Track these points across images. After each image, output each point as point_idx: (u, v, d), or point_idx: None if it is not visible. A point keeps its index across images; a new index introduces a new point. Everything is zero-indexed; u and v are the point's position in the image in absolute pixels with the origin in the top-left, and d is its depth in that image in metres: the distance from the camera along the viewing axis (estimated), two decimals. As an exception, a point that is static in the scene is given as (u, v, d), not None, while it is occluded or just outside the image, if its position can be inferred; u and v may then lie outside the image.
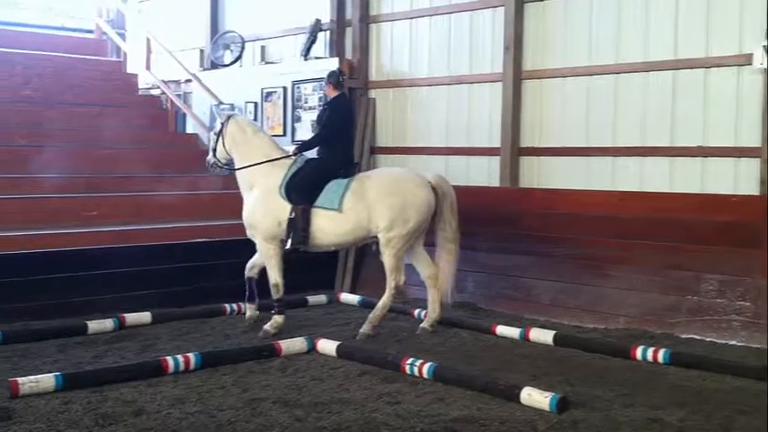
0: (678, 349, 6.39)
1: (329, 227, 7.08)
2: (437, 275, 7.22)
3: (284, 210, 7.11)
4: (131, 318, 7.36)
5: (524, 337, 6.93)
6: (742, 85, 7.40)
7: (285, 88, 10.52)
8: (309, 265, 9.00)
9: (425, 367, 5.71)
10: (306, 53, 10.49)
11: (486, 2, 9.06)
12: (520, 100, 8.85)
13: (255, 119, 10.80)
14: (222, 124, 7.55)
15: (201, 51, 12.35)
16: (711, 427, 4.73)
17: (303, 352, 6.42)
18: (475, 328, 7.34)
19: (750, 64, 7.25)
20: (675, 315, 7.21)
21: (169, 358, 5.85)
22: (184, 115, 12.23)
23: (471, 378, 5.58)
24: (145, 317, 7.46)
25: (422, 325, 7.24)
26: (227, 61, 11.54)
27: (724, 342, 6.85)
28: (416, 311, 7.81)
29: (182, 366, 5.81)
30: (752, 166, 7.32)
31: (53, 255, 7.78)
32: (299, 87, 10.38)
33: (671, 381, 5.72)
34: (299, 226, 7.05)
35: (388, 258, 7.04)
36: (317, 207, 7.07)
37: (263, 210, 7.21)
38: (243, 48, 11.38)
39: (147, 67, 12.53)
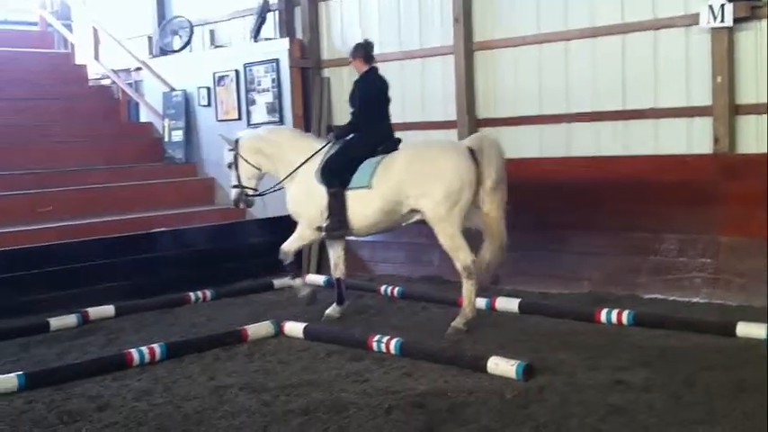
0: (641, 310, 6.46)
1: (359, 209, 6.62)
2: (476, 265, 6.40)
3: (323, 196, 6.72)
4: (94, 312, 7.25)
5: (491, 307, 6.96)
6: (690, 46, 7.47)
7: (237, 71, 10.39)
8: (275, 248, 8.97)
9: (392, 343, 5.71)
10: (255, 35, 10.38)
11: (434, -26, 9.03)
12: (473, 72, 8.84)
13: (209, 104, 10.69)
14: (233, 150, 7.18)
15: (150, 38, 12.16)
16: (675, 385, 4.79)
17: (270, 336, 6.38)
18: (442, 302, 7.35)
19: (697, 23, 7.31)
20: (638, 276, 7.29)
21: (133, 350, 5.78)
22: (137, 104, 12.05)
23: (438, 351, 5.61)
24: (108, 310, 7.35)
25: (452, 324, 6.37)
26: (176, 47, 11.37)
27: (687, 300, 6.94)
28: (383, 287, 7.82)
29: (147, 358, 5.74)
30: (704, 125, 7.40)
31: (9, 253, 7.65)
32: (251, 70, 10.26)
33: (635, 341, 5.79)
34: (333, 210, 6.66)
35: (440, 237, 6.43)
36: (350, 189, 6.63)
37: (306, 198, 6.88)
38: (191, 32, 11.23)
39: (96, 58, 12.30)
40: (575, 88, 8.18)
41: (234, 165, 7.21)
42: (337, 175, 6.69)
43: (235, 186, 7.28)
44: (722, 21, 7.13)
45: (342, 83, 10.01)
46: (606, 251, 7.52)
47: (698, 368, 5.07)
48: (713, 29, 7.22)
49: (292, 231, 9.26)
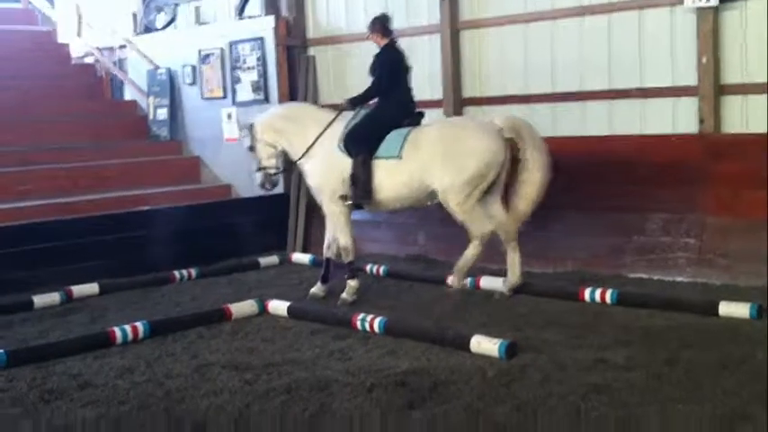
0: (625, 289, 6.48)
1: (387, 180, 6.57)
2: (514, 233, 6.59)
3: (346, 164, 6.67)
4: (78, 290, 7.22)
5: (475, 286, 6.96)
6: (676, 25, 7.44)
7: (222, 49, 10.30)
8: (261, 227, 8.97)
9: (376, 322, 5.72)
10: (240, 12, 10.29)
11: (420, -49, 8.94)
12: (459, 51, 8.79)
13: (194, 82, 10.60)
14: (250, 134, 7.16)
15: (134, 15, 12.00)
16: (656, 364, 4.81)
17: (254, 314, 6.37)
18: (427, 280, 7.35)
19: (682, 3, 7.28)
20: (622, 256, 7.31)
21: (116, 329, 5.75)
22: (121, 82, 11.95)
23: (421, 330, 5.61)
24: (92, 288, 7.33)
25: (500, 289, 6.58)
26: (160, 25, 11.28)
27: (671, 279, 6.96)
28: (368, 266, 7.80)
29: (130, 336, 5.72)
30: (690, 105, 7.40)
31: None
32: (236, 48, 10.18)
33: (618, 321, 5.80)
34: (359, 179, 6.58)
35: (458, 215, 6.48)
36: (377, 158, 6.58)
37: (325, 168, 6.83)
38: (176, 10, 11.12)
39: (79, 35, 12.17)
40: (561, 67, 8.15)
41: (253, 148, 7.19)
42: (364, 143, 6.64)
43: (258, 170, 7.23)
44: (708, 0, 7.11)
45: (328, 62, 9.95)
46: (591, 231, 7.52)
47: (680, 347, 5.09)
48: (699, 8, 7.19)
49: (278, 210, 9.27)
